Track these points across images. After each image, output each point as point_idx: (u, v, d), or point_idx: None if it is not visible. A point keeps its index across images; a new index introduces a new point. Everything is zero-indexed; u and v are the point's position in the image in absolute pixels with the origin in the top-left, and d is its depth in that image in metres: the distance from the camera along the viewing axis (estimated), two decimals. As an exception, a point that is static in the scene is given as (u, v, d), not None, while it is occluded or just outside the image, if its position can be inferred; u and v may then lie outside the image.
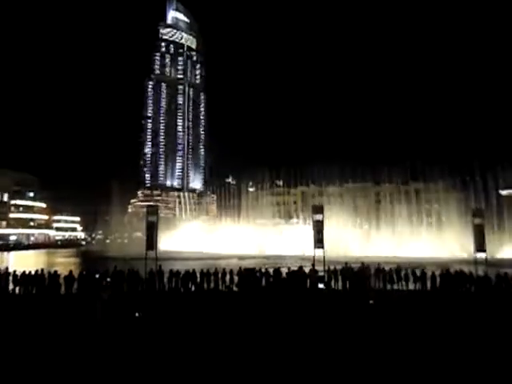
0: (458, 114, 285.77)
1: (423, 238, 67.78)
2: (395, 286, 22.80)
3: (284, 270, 23.09)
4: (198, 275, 22.69)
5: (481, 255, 24.78)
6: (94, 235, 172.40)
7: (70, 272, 21.45)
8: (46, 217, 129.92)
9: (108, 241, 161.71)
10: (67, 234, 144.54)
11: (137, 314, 15.13)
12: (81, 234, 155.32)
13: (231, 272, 23.11)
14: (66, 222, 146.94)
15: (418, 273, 22.87)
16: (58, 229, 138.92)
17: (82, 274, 21.81)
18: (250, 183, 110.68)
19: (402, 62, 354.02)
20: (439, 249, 67.76)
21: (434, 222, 77.23)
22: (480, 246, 24.85)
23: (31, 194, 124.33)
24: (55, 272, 21.33)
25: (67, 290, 20.87)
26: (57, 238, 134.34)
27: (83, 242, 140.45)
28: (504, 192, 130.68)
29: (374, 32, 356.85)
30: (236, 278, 22.52)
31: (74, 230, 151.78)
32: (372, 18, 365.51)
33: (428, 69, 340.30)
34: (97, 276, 21.34)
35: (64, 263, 47.40)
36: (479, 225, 25.41)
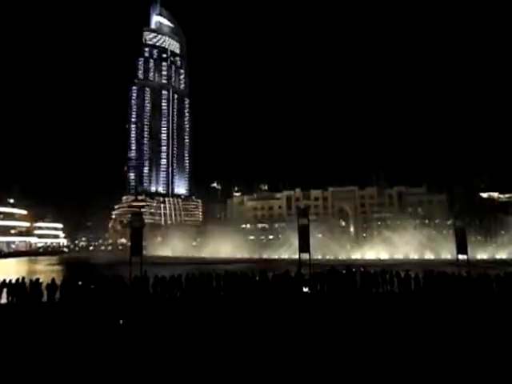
0: (440, 120, 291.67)
1: (407, 241, 68.61)
2: (380, 289, 22.99)
3: (270, 274, 23.08)
4: (184, 280, 22.49)
5: (463, 257, 25.22)
6: (77, 242, 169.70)
7: (53, 280, 21.02)
8: (27, 224, 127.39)
9: (91, 248, 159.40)
10: (49, 241, 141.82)
11: (121, 321, 14.91)
12: (63, 241, 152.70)
13: (217, 277, 22.99)
14: (48, 228, 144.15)
15: (402, 275, 23.12)
16: (39, 236, 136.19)
17: (64, 281, 21.40)
18: (236, 188, 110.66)
19: (383, 73, 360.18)
20: (423, 251, 68.79)
21: (417, 225, 78.34)
22: (462, 248, 25.30)
23: (11, 201, 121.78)
24: (37, 280, 20.86)
25: (49, 298, 20.44)
26: (38, 245, 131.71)
27: (66, 249, 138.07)
28: (484, 194, 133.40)
29: (357, 39, 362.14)
30: (222, 283, 22.40)
31: (56, 237, 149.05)
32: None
33: (412, 76, 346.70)
34: (80, 283, 20.98)
35: (46, 271, 46.47)
36: (460, 227, 25.89)
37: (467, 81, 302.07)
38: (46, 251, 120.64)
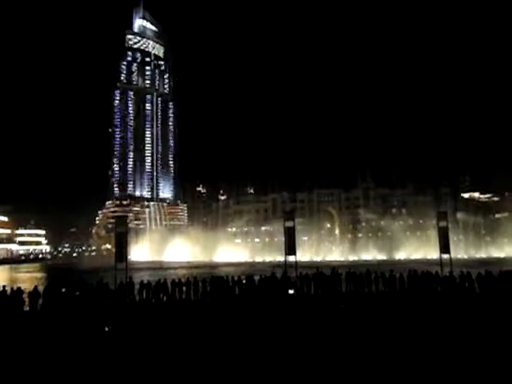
0: (424, 122, 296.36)
1: (393, 241, 69.48)
2: (366, 289, 23.23)
3: (257, 278, 23.10)
4: (170, 285, 22.31)
5: (446, 256, 25.63)
6: (60, 248, 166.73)
7: (35, 288, 20.59)
8: (8, 231, 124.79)
9: (75, 254, 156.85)
10: (31, 248, 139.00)
11: (106, 328, 14.71)
12: (46, 248, 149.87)
13: (204, 281, 22.88)
14: (30, 235, 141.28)
15: (387, 275, 23.41)
16: (21, 243, 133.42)
17: (47, 289, 20.98)
18: (221, 191, 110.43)
19: (364, 76, 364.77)
20: (409, 251, 69.73)
21: (402, 226, 79.37)
22: (445, 248, 25.71)
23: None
24: (18, 288, 20.41)
25: (32, 306, 20.02)
26: (20, 252, 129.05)
27: (49, 256, 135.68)
28: (466, 195, 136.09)
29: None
30: (208, 288, 22.30)
31: (38, 243, 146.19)
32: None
33: (394, 79, 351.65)
34: (63, 290, 20.61)
35: (28, 279, 45.54)
36: (443, 227, 26.30)
37: (448, 84, 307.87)
38: (28, 258, 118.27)
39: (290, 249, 24.66)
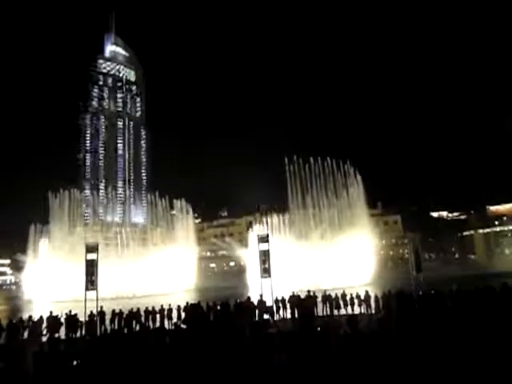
0: (390, 140, 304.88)
1: (364, 262, 70.02)
2: (342, 311, 23.28)
3: (232, 303, 22.75)
4: (143, 314, 21.69)
5: (419, 275, 26.16)
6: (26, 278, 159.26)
7: (-2, 321, 19.54)
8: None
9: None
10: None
11: (75, 362, 13.98)
12: (11, 278, 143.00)
13: (178, 308, 22.36)
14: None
15: (363, 296, 23.59)
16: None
17: (11, 323, 19.94)
18: (195, 215, 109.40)
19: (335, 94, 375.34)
20: (382, 270, 70.43)
21: (374, 246, 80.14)
22: (417, 267, 26.29)
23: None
24: (-20, 322, 19.32)
25: (-6, 341, 18.94)
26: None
27: (13, 287, 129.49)
28: (434, 214, 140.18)
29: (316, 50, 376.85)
30: (183, 315, 21.79)
31: (2, 274, 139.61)
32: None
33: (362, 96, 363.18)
34: (28, 324, 19.65)
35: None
36: (415, 246, 26.97)
37: (429, 106, 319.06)
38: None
39: (265, 271, 24.58)
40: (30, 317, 20.62)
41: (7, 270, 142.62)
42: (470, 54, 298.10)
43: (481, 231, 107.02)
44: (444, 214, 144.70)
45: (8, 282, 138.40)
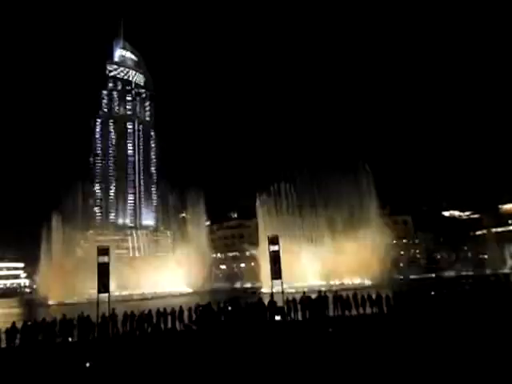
0: (401, 140, 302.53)
1: (375, 263, 69.45)
2: (354, 312, 23.11)
3: (243, 303, 22.77)
4: (154, 316, 21.78)
5: (431, 275, 25.89)
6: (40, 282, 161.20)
7: (13, 324, 19.78)
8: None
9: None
10: (9, 283, 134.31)
11: (87, 364, 14.13)
12: (25, 282, 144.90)
13: (189, 310, 22.43)
14: (8, 269, 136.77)
15: (374, 296, 23.39)
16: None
17: (25, 325, 20.19)
18: (205, 217, 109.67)
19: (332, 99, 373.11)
20: (392, 271, 69.79)
21: (384, 246, 79.42)
22: (429, 267, 26.02)
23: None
24: (-5, 325, 19.61)
25: (9, 344, 19.18)
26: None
27: (28, 290, 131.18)
28: (446, 213, 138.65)
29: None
30: (194, 316, 21.86)
31: (16, 277, 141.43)
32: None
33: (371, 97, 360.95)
34: (43, 326, 19.85)
35: (5, 315, 43.76)
36: (426, 247, 26.69)
37: (429, 103, 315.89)
38: (6, 293, 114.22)
39: (276, 273, 24.49)
40: (44, 319, 20.85)
41: (21, 273, 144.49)
42: (482, 54, 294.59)
43: (493, 230, 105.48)
44: (456, 213, 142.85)
45: (22, 284, 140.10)
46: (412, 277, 65.43)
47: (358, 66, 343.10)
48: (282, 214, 78.97)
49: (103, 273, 22.94)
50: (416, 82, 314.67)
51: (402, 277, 67.37)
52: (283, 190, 79.98)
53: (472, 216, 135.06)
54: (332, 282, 64.51)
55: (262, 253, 55.58)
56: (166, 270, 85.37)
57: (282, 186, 79.69)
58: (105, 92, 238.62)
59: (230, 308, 22.02)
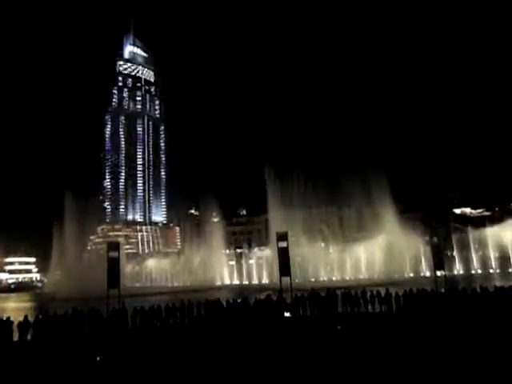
0: (413, 138, 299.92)
1: (387, 260, 69.15)
2: (362, 309, 23.01)
3: (252, 300, 22.82)
4: (163, 311, 21.94)
5: (440, 273, 25.64)
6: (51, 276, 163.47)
7: (25, 317, 20.08)
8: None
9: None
10: (21, 277, 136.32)
11: (98, 358, 14.30)
12: (36, 276, 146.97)
13: (198, 305, 22.54)
14: (20, 263, 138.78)
15: (383, 294, 23.23)
16: (10, 271, 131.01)
17: (37, 319, 20.48)
18: (214, 214, 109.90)
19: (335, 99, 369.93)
20: (402, 268, 69.49)
21: (394, 243, 78.95)
22: (438, 264, 25.75)
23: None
24: (8, 318, 19.88)
25: (21, 337, 19.48)
26: (10, 281, 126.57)
27: (39, 284, 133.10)
28: (457, 210, 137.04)
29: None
30: (203, 312, 21.97)
31: (28, 271, 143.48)
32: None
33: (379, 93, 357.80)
34: (54, 320, 20.11)
35: (17, 308, 44.47)
36: (436, 244, 26.42)
37: (438, 99, 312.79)
38: (18, 287, 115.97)
39: (285, 269, 24.46)
40: (55, 313, 21.11)
41: (33, 267, 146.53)
42: (494, 54, 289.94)
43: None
44: (467, 210, 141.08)
45: (34, 279, 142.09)
46: (422, 275, 65.05)
47: (374, 66, 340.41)
48: (294, 209, 78.67)
49: (113, 267, 23.17)
50: (430, 80, 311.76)
51: (412, 274, 67.07)
52: (295, 188, 79.65)
53: (484, 213, 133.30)
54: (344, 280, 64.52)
55: (273, 249, 55.72)
56: (176, 265, 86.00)
57: (293, 184, 79.33)
58: (115, 88, 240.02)
59: (239, 304, 22.08)
